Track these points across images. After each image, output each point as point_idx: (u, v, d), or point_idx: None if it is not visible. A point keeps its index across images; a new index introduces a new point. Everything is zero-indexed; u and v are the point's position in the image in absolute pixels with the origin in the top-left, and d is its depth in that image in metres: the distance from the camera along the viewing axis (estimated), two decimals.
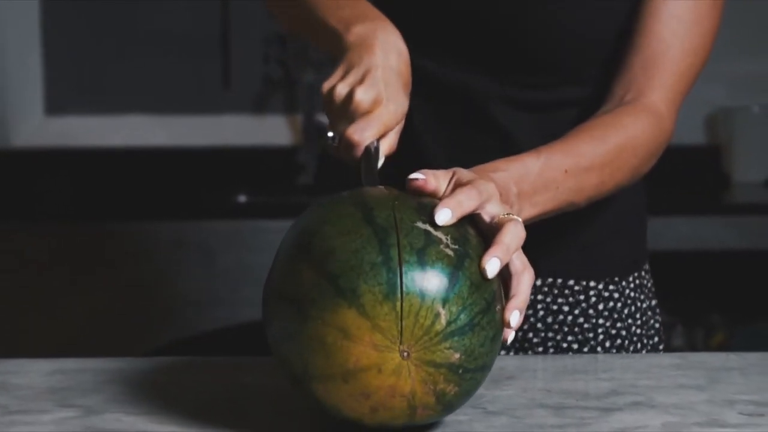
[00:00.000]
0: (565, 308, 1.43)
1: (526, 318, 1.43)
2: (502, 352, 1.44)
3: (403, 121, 1.19)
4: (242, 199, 3.27)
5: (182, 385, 1.21)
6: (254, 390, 1.19)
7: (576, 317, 1.44)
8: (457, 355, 0.97)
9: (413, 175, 1.05)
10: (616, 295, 1.45)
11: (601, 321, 1.44)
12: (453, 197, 1.02)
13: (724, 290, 3.21)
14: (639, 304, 1.47)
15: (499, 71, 1.39)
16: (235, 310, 2.96)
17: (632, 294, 1.46)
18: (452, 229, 1.00)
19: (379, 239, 0.97)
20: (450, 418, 1.08)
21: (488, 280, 0.99)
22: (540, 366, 1.27)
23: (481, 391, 1.16)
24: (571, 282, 1.43)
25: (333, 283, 0.96)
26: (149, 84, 3.48)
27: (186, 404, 1.14)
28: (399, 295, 0.95)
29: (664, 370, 1.25)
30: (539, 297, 1.43)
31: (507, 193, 1.13)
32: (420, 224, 0.99)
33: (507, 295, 1.04)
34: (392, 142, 1.18)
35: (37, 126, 3.50)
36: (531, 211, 1.18)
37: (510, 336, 1.03)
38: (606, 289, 1.44)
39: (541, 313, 1.43)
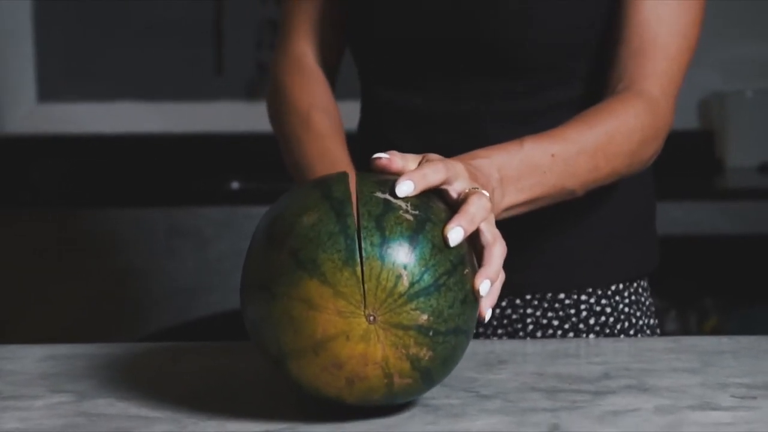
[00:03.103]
0: (555, 322, 1.41)
1: (515, 332, 1.42)
2: (494, 338, 1.44)
3: None
4: (235, 185, 3.26)
5: (175, 369, 1.22)
6: (246, 375, 1.19)
7: (566, 332, 1.42)
8: (425, 317, 0.97)
9: (378, 154, 1.06)
10: (608, 310, 1.42)
11: (591, 336, 1.42)
12: (417, 170, 1.02)
13: (717, 275, 3.21)
14: (634, 321, 1.44)
15: (484, 85, 1.36)
16: (228, 296, 2.95)
17: (627, 310, 1.44)
18: (414, 198, 1.01)
19: (335, 211, 0.99)
20: (442, 401, 1.08)
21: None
22: (533, 350, 1.27)
23: (473, 374, 1.16)
24: (562, 296, 1.42)
25: (294, 258, 0.98)
26: (142, 70, 3.47)
27: (178, 389, 1.14)
28: (358, 259, 0.96)
29: (657, 354, 1.25)
30: (528, 311, 1.42)
31: (487, 178, 1.12)
32: (379, 194, 1.00)
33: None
34: None
35: (29, 113, 3.49)
36: (518, 196, 1.17)
37: (487, 314, 1.03)
38: (598, 303, 1.42)
39: (531, 327, 1.41)
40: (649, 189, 1.47)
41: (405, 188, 1.00)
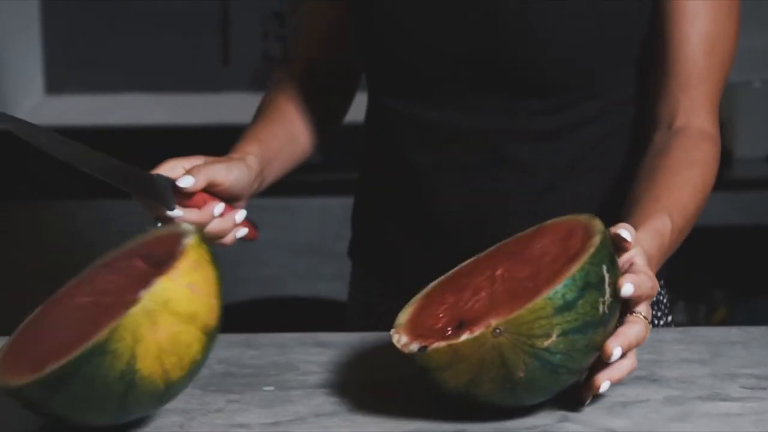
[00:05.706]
0: None
1: None
2: None
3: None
4: None
5: None
6: (253, 366, 1.18)
7: None
8: (521, 375, 1.00)
9: (624, 233, 1.08)
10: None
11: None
12: (640, 276, 1.06)
13: (726, 266, 3.20)
14: (656, 321, 1.44)
15: (504, 104, 1.35)
16: (232, 288, 2.95)
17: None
18: (615, 290, 1.03)
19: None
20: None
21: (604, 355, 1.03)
22: None
23: None
24: None
25: None
26: (148, 62, 3.47)
27: None
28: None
29: (667, 345, 1.24)
30: None
31: (653, 273, 1.14)
32: (604, 268, 1.02)
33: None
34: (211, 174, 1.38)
35: (36, 105, 3.49)
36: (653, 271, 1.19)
37: (588, 398, 1.06)
38: None
39: None
40: None
41: (627, 291, 1.04)
